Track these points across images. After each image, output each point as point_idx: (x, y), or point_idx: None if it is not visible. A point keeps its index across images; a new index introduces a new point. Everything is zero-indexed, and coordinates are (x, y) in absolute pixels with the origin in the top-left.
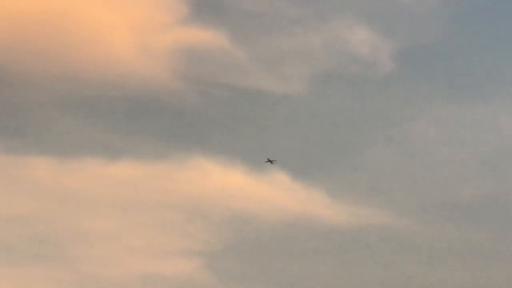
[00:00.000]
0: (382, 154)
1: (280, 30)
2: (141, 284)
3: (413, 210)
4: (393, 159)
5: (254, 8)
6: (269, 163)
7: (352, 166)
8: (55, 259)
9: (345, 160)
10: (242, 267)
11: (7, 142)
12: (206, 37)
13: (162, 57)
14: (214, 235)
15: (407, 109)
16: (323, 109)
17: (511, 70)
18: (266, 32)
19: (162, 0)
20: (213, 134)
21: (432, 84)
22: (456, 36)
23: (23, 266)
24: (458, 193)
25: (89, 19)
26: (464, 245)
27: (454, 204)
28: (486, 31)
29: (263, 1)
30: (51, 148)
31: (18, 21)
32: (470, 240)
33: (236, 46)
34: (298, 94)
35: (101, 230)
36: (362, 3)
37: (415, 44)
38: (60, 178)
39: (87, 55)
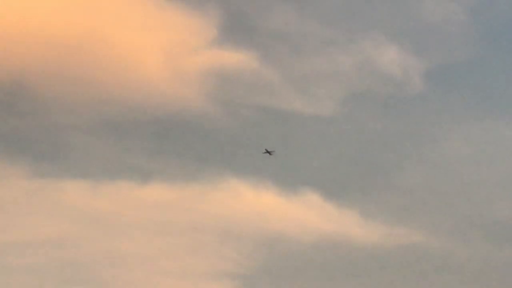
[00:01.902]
0: (414, 174)
1: (310, 51)
2: None
3: (447, 230)
4: (426, 178)
5: (284, 29)
6: (268, 154)
7: (384, 186)
8: (88, 283)
9: (377, 180)
10: None
11: (39, 166)
12: (236, 58)
13: (193, 80)
14: (246, 257)
15: (438, 128)
16: (354, 129)
17: None
18: (296, 53)
19: (193, 23)
20: (244, 155)
21: (463, 103)
22: (486, 54)
23: None
24: (492, 212)
25: (120, 42)
26: (499, 265)
27: (489, 223)
28: None
29: (293, 22)
30: (83, 171)
31: (51, 45)
32: (505, 260)
33: (266, 67)
34: (329, 114)
35: (133, 253)
36: (392, 23)
37: (445, 63)
38: (92, 201)
39: (119, 78)
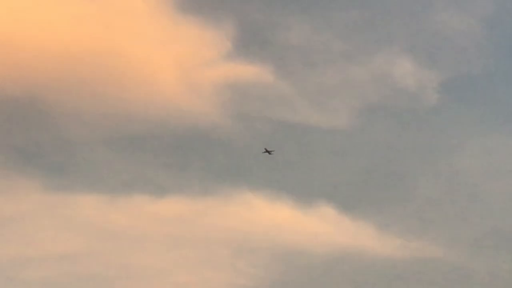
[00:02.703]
0: (429, 186)
1: (325, 64)
2: None
3: (462, 242)
4: (441, 190)
5: (298, 42)
6: (267, 153)
7: (400, 199)
8: None
9: (392, 192)
10: None
11: (54, 180)
12: (251, 72)
13: (207, 93)
14: (262, 270)
15: (453, 141)
16: (369, 142)
17: None
18: (311, 66)
19: (207, 36)
20: (260, 168)
21: (478, 115)
22: (501, 66)
23: None
24: (507, 224)
25: (134, 56)
26: None
27: (504, 235)
28: None
29: (308, 35)
30: (99, 185)
31: (66, 60)
32: None
33: (281, 80)
34: (344, 127)
35: (149, 266)
36: (406, 36)
37: (460, 76)
38: (109, 215)
39: (134, 92)
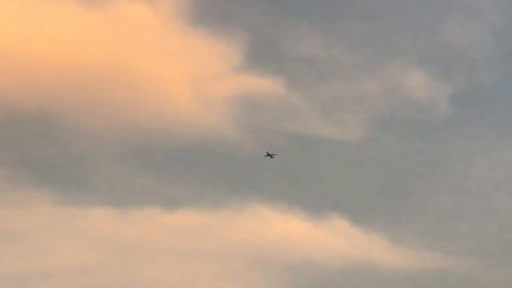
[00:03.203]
0: (441, 198)
1: (336, 76)
2: None
3: (475, 254)
4: (453, 202)
5: (309, 55)
6: (269, 157)
7: (412, 211)
8: None
9: (404, 204)
10: None
11: (67, 194)
12: (262, 84)
13: (219, 106)
14: (274, 283)
15: (465, 152)
16: (381, 154)
17: None
18: (322, 78)
19: (218, 49)
20: (271, 181)
21: (490, 127)
22: None
23: None
24: None
25: (146, 70)
26: None
27: None
28: None
29: (319, 47)
30: (111, 199)
31: (78, 74)
32: None
33: (292, 93)
34: (356, 139)
35: (161, 279)
36: (418, 48)
37: (472, 87)
38: (120, 228)
39: (146, 105)
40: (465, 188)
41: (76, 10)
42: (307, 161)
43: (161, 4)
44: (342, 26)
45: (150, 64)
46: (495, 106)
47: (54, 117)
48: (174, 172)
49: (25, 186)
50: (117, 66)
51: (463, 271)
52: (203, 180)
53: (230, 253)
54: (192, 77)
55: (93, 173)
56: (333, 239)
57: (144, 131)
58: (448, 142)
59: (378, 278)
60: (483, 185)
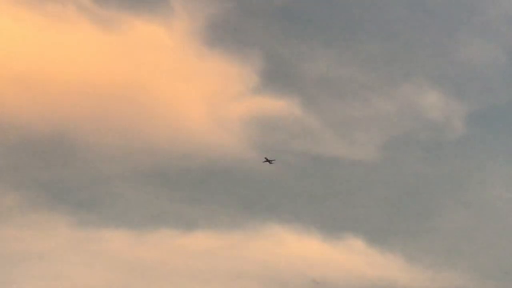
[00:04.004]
0: (458, 217)
1: (352, 96)
2: None
3: (492, 273)
4: (469, 221)
5: (325, 75)
6: (267, 162)
7: (428, 230)
8: None
9: (420, 224)
10: None
11: (82, 215)
12: (278, 105)
13: (235, 127)
14: None
15: (481, 171)
16: (396, 173)
17: None
18: (337, 98)
19: (234, 70)
20: (288, 201)
21: (505, 146)
22: None
23: None
24: None
25: (161, 91)
26: None
27: None
28: None
29: (334, 68)
30: (127, 220)
31: (93, 95)
32: None
33: (308, 113)
34: (371, 159)
35: None
36: (432, 67)
37: (487, 107)
38: (136, 250)
39: (161, 126)
40: (481, 207)
41: (92, 33)
42: (323, 182)
43: (176, 25)
44: (357, 46)
45: (166, 85)
46: (510, 125)
47: (69, 139)
48: (190, 194)
49: (41, 208)
50: (133, 88)
51: None
52: (219, 201)
53: (247, 274)
54: (208, 98)
55: (108, 195)
56: (349, 259)
57: (159, 152)
58: (463, 161)
59: None
60: (499, 204)
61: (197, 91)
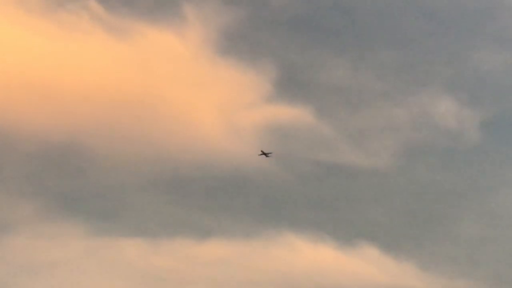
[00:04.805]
0: (472, 225)
1: (365, 104)
2: None
3: (506, 281)
4: (484, 230)
5: (338, 83)
6: (264, 155)
7: (442, 238)
8: None
9: (435, 232)
10: None
11: (97, 225)
12: (291, 113)
13: (249, 135)
14: None
15: (495, 179)
16: (410, 181)
17: None
18: (351, 107)
19: (248, 79)
20: (302, 210)
21: None
22: None
23: None
24: None
25: (174, 100)
26: None
27: None
28: None
29: (347, 76)
30: (141, 229)
31: (106, 104)
32: None
33: (322, 122)
34: (386, 167)
35: None
36: (446, 75)
37: (501, 115)
38: (152, 259)
39: (175, 135)
40: (495, 215)
41: (105, 42)
42: (337, 190)
43: (189, 34)
44: (371, 54)
45: (179, 94)
46: None
47: (84, 148)
48: (205, 202)
49: (57, 217)
50: (147, 97)
51: None
52: (233, 210)
53: (262, 283)
54: (222, 107)
55: (124, 204)
56: (363, 267)
57: (174, 161)
58: (478, 169)
59: None
60: None
61: (210, 99)
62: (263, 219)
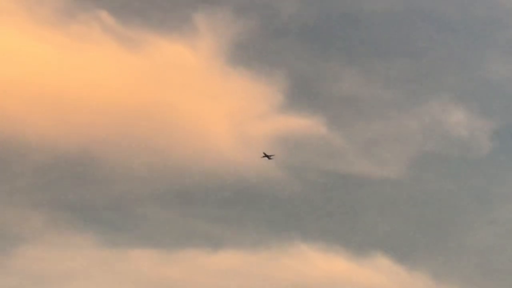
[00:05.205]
0: (485, 235)
1: (376, 114)
2: None
3: None
4: (497, 239)
5: (349, 93)
6: (266, 158)
7: (455, 248)
8: None
9: (447, 242)
10: None
11: (108, 236)
12: (302, 124)
13: (260, 146)
14: None
15: (507, 189)
16: (422, 191)
17: None
18: (362, 116)
19: (258, 89)
20: (313, 220)
21: None
22: None
23: None
24: None
25: (186, 110)
26: None
27: None
28: None
29: (358, 86)
30: (153, 240)
31: (118, 115)
32: None
33: (333, 132)
34: (397, 177)
35: None
36: (457, 84)
37: None
38: (163, 270)
39: (186, 146)
40: (508, 224)
41: (117, 53)
42: (349, 200)
43: (200, 45)
44: (382, 64)
45: (191, 105)
46: None
47: (95, 158)
48: (216, 213)
49: (68, 227)
50: (158, 107)
51: None
52: (244, 220)
53: None
54: (233, 117)
55: (135, 215)
56: (376, 277)
57: (185, 172)
58: (489, 178)
59: None
60: None
61: (222, 110)
62: (275, 229)
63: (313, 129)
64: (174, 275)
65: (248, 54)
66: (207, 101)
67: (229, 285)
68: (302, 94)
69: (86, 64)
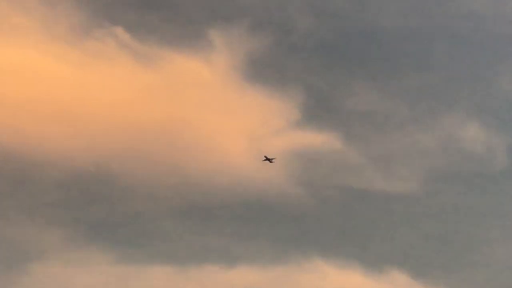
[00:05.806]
0: (501, 250)
1: (393, 129)
2: None
3: None
4: None
5: (365, 108)
6: (268, 161)
7: (471, 264)
8: None
9: (464, 257)
10: None
11: (126, 252)
12: (319, 139)
13: (276, 161)
14: None
15: None
16: (439, 207)
17: None
18: (378, 132)
19: (275, 105)
20: (330, 235)
21: None
22: None
23: None
24: None
25: (202, 126)
26: None
27: None
28: None
29: (374, 101)
30: (169, 256)
31: (135, 132)
32: None
33: (349, 147)
34: (413, 193)
35: None
36: (473, 99)
37: None
38: (179, 286)
39: (203, 162)
40: None
41: (132, 69)
42: (365, 216)
43: (216, 61)
44: (398, 79)
45: (207, 121)
46: None
47: (112, 175)
48: (233, 229)
49: (84, 244)
50: (174, 123)
51: None
52: (261, 236)
53: None
54: (249, 133)
55: (151, 231)
56: None
57: (201, 188)
58: (506, 193)
59: None
60: None
61: (238, 126)
62: (291, 245)
63: (329, 144)
64: None
65: (264, 70)
66: (224, 117)
67: None
68: (318, 110)
69: (103, 80)
